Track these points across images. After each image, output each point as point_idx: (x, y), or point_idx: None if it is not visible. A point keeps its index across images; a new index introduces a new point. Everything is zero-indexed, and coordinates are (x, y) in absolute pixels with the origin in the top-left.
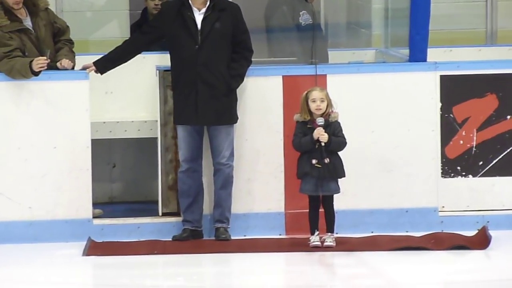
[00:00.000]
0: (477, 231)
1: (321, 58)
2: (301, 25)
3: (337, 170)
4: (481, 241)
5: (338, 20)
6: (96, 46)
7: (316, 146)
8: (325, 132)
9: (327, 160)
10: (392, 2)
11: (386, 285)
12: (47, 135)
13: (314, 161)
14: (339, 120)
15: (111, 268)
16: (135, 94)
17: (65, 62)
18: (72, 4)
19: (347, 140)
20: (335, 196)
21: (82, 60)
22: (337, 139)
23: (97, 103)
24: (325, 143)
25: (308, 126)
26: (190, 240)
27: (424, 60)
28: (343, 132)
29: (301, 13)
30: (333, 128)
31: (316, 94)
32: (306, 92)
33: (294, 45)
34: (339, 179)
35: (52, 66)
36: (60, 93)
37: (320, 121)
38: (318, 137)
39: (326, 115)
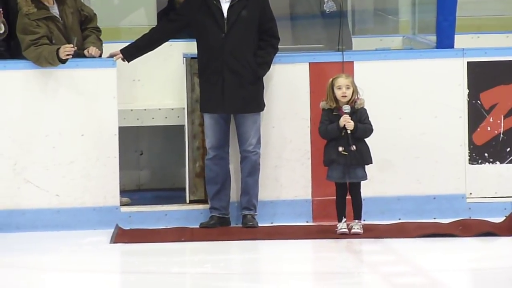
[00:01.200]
0: (504, 217)
1: (346, 44)
2: (325, 12)
3: (364, 157)
4: (509, 227)
5: (365, 6)
6: (124, 33)
7: (343, 134)
8: (351, 119)
9: (353, 148)
10: None
11: (414, 272)
12: (74, 123)
13: (340, 149)
14: (365, 107)
15: (139, 255)
16: (162, 82)
17: (92, 50)
18: None
19: (373, 127)
20: (362, 183)
21: (110, 47)
22: (363, 126)
23: (125, 90)
24: (351, 130)
25: (334, 113)
26: (217, 227)
27: (452, 46)
28: (370, 119)
29: (325, 0)
30: (359, 115)
31: (341, 81)
32: (331, 79)
33: (319, 32)
34: (366, 166)
35: (79, 54)
36: (87, 81)
37: (346, 108)
38: (344, 124)
39: (352, 102)
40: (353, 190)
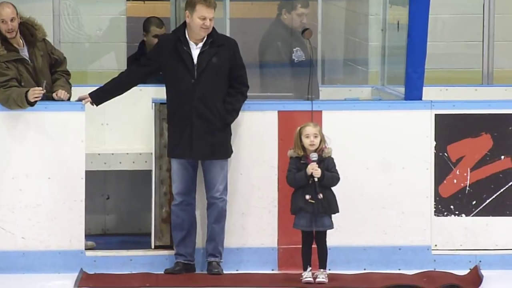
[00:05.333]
0: (469, 270)
1: (313, 94)
2: (294, 61)
3: (331, 206)
4: (473, 280)
5: (335, 56)
6: (93, 77)
7: (310, 182)
8: (319, 167)
9: (320, 196)
10: (389, 40)
11: None
12: (42, 165)
13: (307, 197)
14: (332, 156)
15: None
16: (131, 126)
17: (61, 93)
18: (69, 35)
19: (341, 176)
20: (328, 232)
21: (79, 91)
22: (330, 175)
23: (93, 134)
24: (318, 178)
25: (302, 161)
26: (182, 274)
27: (420, 98)
28: (337, 168)
29: (294, 49)
30: (327, 164)
31: (309, 129)
32: (299, 128)
33: (288, 81)
34: (333, 215)
35: (48, 97)
36: (56, 124)
37: (314, 156)
38: (312, 172)
39: (319, 150)
40: (319, 239)
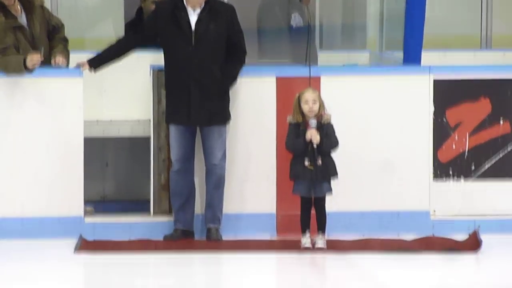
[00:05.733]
0: (468, 235)
1: (312, 60)
2: (292, 27)
3: (330, 171)
4: (472, 245)
5: (333, 22)
6: (91, 44)
7: (309, 148)
8: (318, 133)
9: (319, 162)
10: (387, 5)
11: None
12: (40, 133)
13: (306, 163)
14: (331, 122)
15: (102, 266)
16: (129, 93)
17: (59, 60)
18: (67, 2)
19: (339, 142)
20: (326, 198)
21: (77, 57)
22: (329, 141)
23: (91, 101)
24: (317, 144)
25: (301, 128)
26: (181, 240)
27: (418, 63)
28: (336, 133)
29: (292, 15)
30: (326, 130)
31: (308, 95)
32: (298, 94)
33: (286, 47)
34: (332, 180)
35: (46, 64)
36: (54, 90)
37: (313, 122)
38: (311, 138)
39: (318, 116)
40: (318, 205)
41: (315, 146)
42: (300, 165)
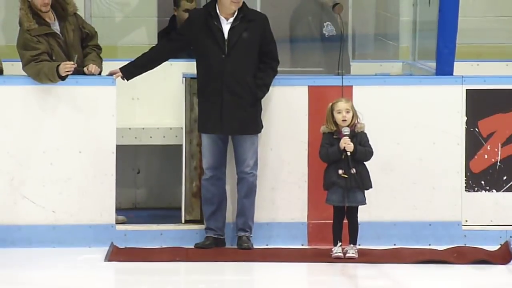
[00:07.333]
0: (499, 246)
1: (344, 69)
2: (325, 36)
3: (364, 181)
4: (504, 256)
5: (366, 31)
6: (124, 52)
7: (343, 156)
8: (351, 142)
9: (353, 170)
10: (420, 15)
11: None
12: (73, 140)
13: (340, 171)
14: (365, 131)
15: (133, 274)
16: (161, 101)
17: (92, 68)
18: (101, 10)
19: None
20: (359, 207)
21: (110, 65)
22: (363, 149)
23: (124, 109)
24: (351, 152)
25: (335, 137)
26: (212, 248)
27: (451, 73)
28: (370, 142)
29: (325, 24)
30: (360, 139)
31: (341, 105)
32: (331, 103)
33: (319, 56)
34: (366, 191)
35: (79, 71)
36: (87, 98)
37: (346, 130)
38: (344, 147)
39: (352, 125)
40: (351, 214)
41: (348, 154)
42: (334, 174)
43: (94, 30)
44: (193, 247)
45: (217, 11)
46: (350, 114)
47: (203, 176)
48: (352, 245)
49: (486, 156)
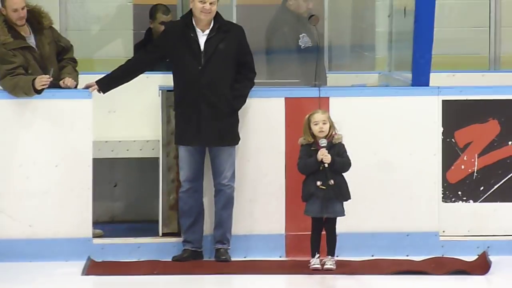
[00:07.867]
0: (477, 256)
1: (320, 80)
2: (301, 47)
3: (343, 192)
4: (482, 266)
5: (342, 42)
6: (100, 65)
7: (320, 168)
8: (329, 153)
9: (331, 182)
10: (396, 26)
11: None
12: (49, 153)
13: (318, 183)
14: (343, 142)
15: (110, 287)
16: (138, 114)
17: (68, 81)
18: (76, 23)
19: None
20: (337, 219)
21: (86, 78)
22: (340, 160)
23: (100, 122)
24: (328, 163)
25: (312, 148)
26: (190, 261)
27: (427, 84)
28: (348, 153)
29: (300, 36)
30: (337, 150)
31: (318, 116)
32: (308, 115)
33: (295, 67)
34: (344, 202)
35: (55, 85)
36: (63, 112)
37: (323, 142)
38: (322, 158)
39: (329, 137)
40: (329, 226)
41: (326, 165)
42: (313, 186)
43: (69, 43)
44: (171, 260)
45: (193, 23)
46: (327, 125)
47: (181, 189)
48: (330, 256)
49: (462, 167)
